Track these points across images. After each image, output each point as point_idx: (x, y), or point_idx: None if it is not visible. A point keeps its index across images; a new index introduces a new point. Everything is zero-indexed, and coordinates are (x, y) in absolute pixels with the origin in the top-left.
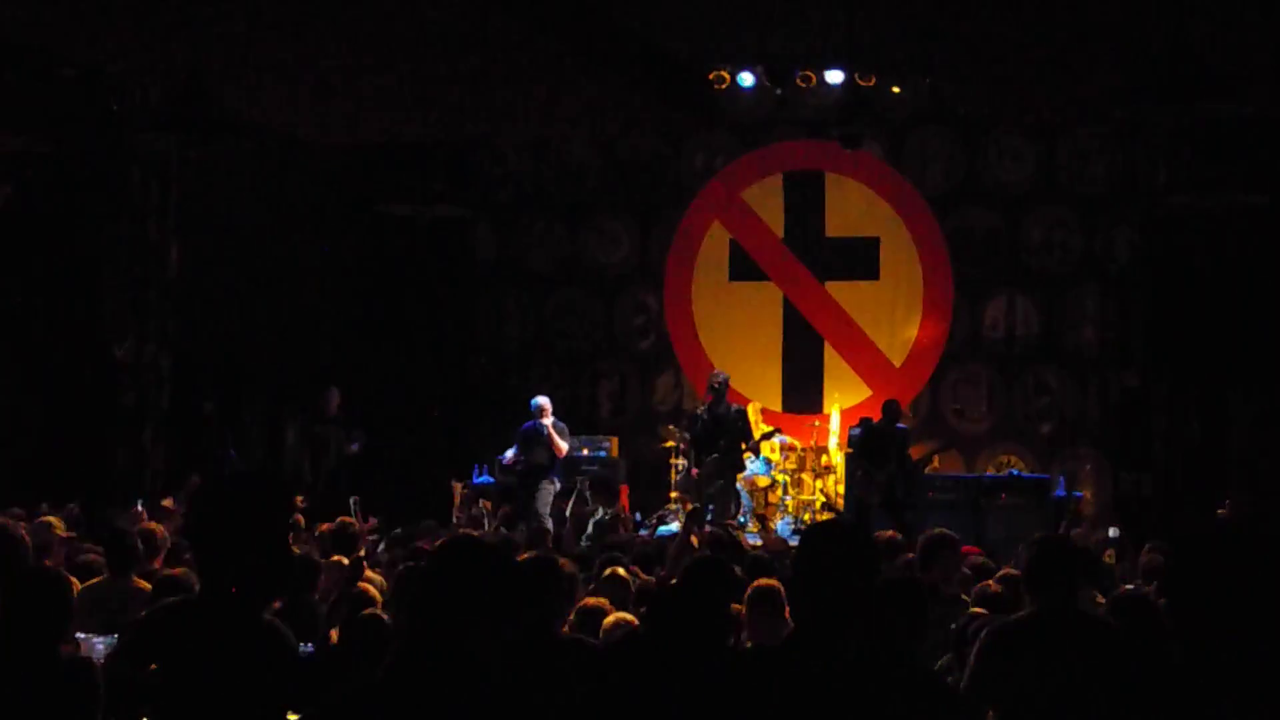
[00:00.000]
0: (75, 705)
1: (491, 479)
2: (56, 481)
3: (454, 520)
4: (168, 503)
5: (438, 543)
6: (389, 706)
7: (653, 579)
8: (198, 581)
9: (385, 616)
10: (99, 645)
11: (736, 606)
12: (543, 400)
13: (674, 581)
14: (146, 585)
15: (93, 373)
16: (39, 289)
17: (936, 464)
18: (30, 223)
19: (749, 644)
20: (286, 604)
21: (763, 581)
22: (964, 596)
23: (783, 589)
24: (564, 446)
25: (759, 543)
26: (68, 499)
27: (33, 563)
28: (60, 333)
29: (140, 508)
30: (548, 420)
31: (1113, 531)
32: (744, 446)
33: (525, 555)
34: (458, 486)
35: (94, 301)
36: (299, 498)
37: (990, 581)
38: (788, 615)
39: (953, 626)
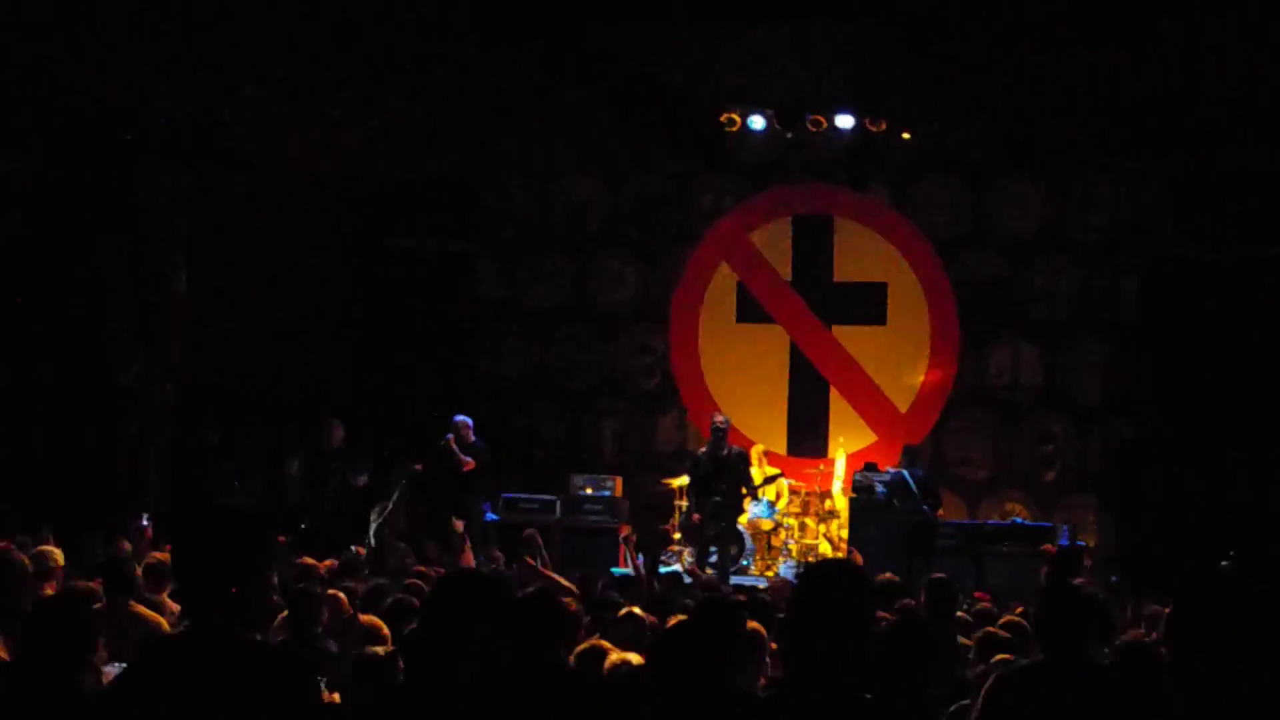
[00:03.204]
0: None
1: (495, 516)
2: (59, 509)
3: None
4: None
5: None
6: None
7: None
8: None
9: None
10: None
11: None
12: (463, 417)
13: (680, 620)
14: (147, 612)
15: (98, 400)
16: (46, 316)
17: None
18: (39, 249)
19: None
20: (292, 638)
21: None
22: (965, 641)
23: (765, 632)
24: (469, 461)
25: (763, 585)
26: (70, 526)
27: (33, 591)
28: (66, 360)
29: (146, 521)
30: (451, 437)
31: (1112, 579)
32: (744, 491)
33: (527, 591)
34: (459, 525)
35: (100, 329)
36: (301, 525)
37: (993, 628)
38: (768, 659)
39: (969, 675)
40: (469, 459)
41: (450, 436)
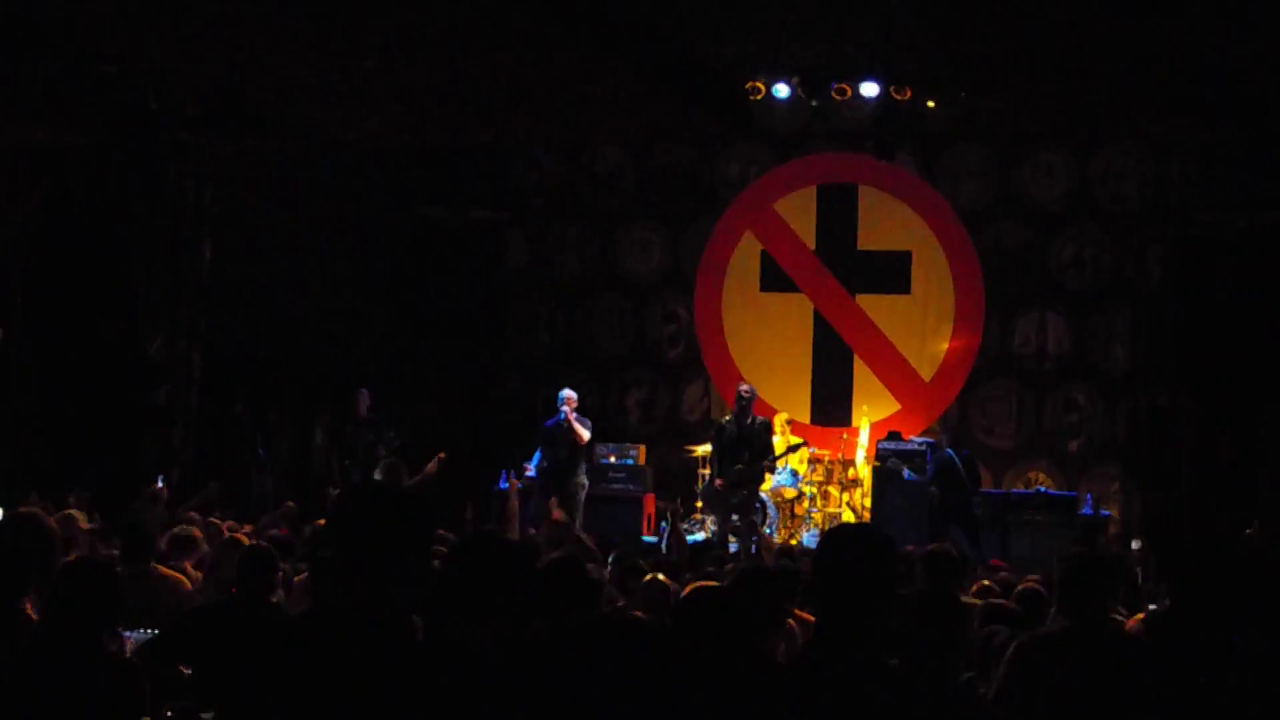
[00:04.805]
0: (117, 706)
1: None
2: (85, 478)
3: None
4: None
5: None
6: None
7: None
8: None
9: None
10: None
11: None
12: (569, 392)
13: (707, 584)
14: (169, 572)
15: (125, 369)
16: (73, 285)
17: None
18: (66, 218)
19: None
20: (314, 602)
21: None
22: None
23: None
24: (585, 434)
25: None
26: (96, 495)
27: (60, 554)
28: (93, 329)
29: (162, 483)
30: (568, 409)
31: (1134, 545)
32: (764, 464)
33: (550, 556)
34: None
35: (127, 298)
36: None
37: (1000, 599)
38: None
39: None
40: (584, 432)
41: (566, 411)
